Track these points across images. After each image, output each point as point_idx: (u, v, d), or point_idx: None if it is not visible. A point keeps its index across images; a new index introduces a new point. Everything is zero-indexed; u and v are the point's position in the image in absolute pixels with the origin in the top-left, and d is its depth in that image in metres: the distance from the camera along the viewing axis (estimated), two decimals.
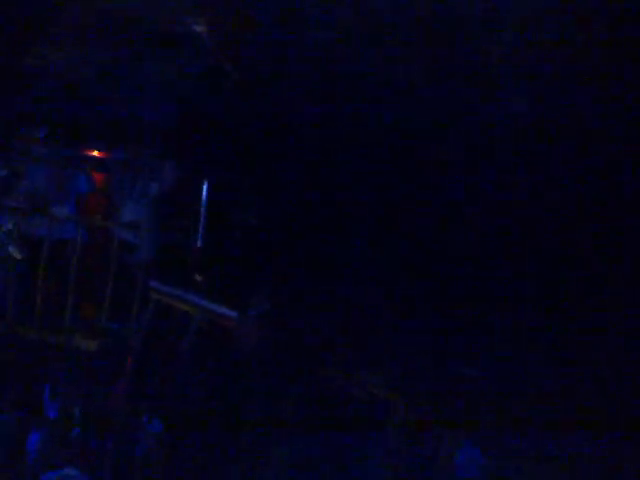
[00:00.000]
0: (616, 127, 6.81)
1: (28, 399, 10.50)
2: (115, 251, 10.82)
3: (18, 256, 10.96)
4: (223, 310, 8.57)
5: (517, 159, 7.82)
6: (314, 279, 7.53)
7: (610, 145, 7.09)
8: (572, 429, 7.35)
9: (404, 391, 7.83)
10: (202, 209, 8.29)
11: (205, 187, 8.12)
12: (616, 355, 7.99)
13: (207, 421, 8.53)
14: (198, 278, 8.20)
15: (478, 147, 7.86)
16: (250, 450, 8.20)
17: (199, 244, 8.38)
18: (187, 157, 7.90)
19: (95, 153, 12.13)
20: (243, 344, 8.53)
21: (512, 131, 7.69)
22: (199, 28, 3.19)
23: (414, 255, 7.47)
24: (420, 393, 7.79)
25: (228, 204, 7.35)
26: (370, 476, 7.95)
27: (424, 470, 8.07)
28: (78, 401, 10.34)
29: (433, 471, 8.17)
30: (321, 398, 8.83)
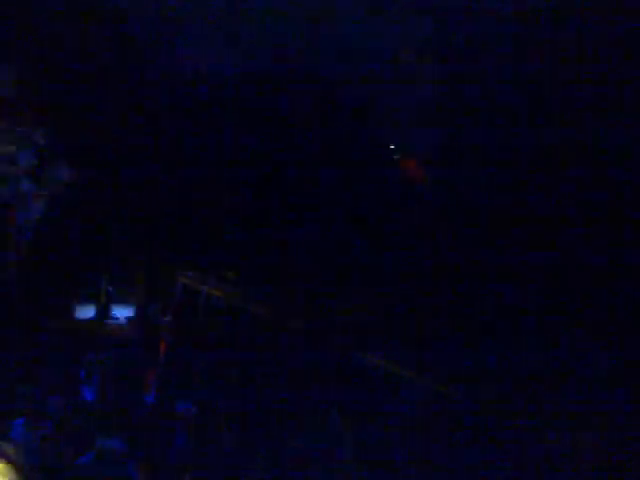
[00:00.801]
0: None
1: (66, 383, 10.69)
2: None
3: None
4: (249, 294, 8.70)
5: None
6: (342, 266, 7.64)
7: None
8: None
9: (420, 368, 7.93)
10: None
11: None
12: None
13: (238, 403, 8.68)
14: (229, 275, 8.34)
15: None
16: (280, 432, 8.35)
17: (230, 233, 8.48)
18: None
19: None
20: (269, 326, 8.65)
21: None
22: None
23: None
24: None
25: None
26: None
27: None
28: (114, 385, 10.52)
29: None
30: (350, 376, 8.92)
